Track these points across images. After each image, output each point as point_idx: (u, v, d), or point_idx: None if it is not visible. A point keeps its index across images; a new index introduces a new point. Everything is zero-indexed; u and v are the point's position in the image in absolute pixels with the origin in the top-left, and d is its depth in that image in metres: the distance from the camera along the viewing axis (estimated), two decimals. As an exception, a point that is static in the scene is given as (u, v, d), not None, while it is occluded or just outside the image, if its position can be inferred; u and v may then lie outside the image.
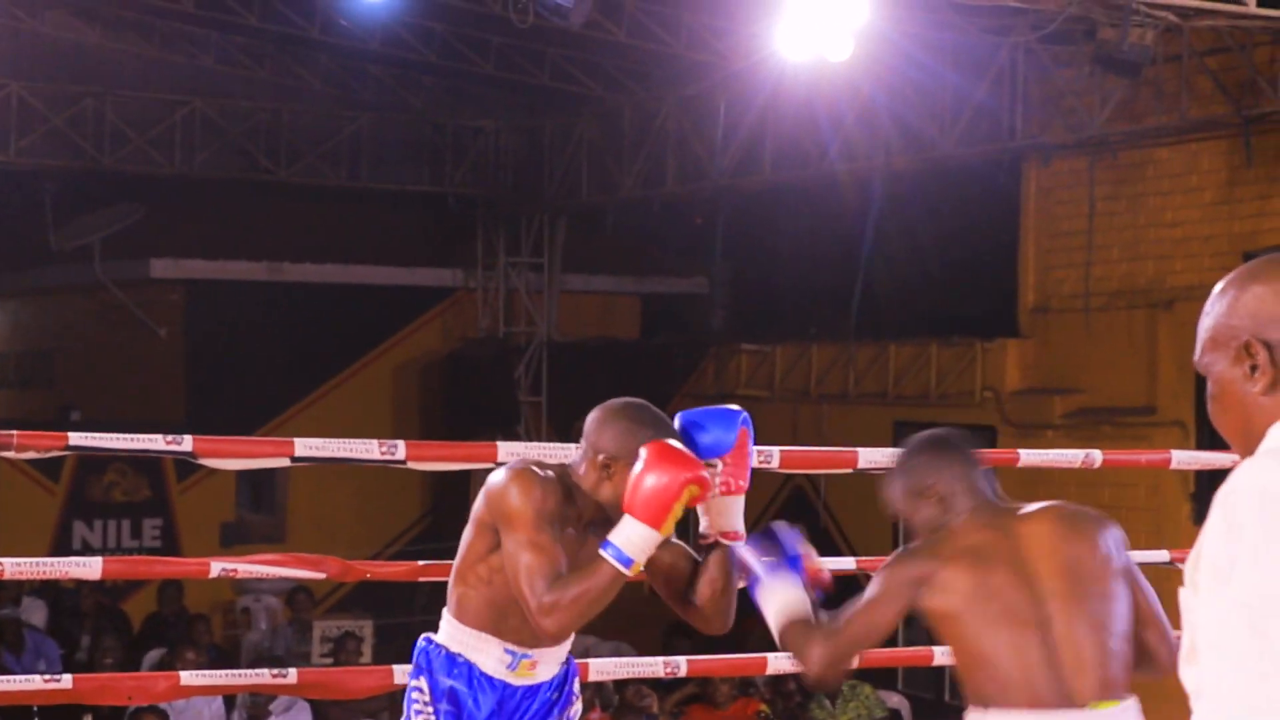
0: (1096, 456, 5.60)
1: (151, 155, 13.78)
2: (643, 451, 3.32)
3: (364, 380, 16.05)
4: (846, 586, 13.34)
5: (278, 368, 15.53)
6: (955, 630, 3.34)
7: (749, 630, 12.19)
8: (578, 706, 3.62)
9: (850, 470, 5.57)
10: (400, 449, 4.73)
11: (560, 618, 3.28)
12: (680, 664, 5.40)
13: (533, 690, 3.48)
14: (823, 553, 12.60)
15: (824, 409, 12.75)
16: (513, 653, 3.42)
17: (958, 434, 3.64)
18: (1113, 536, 3.40)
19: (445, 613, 3.50)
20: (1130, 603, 3.33)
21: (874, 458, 5.55)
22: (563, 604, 3.26)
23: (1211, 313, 2.23)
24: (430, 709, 3.47)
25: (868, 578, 11.18)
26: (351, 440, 4.86)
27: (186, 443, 4.68)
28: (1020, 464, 5.92)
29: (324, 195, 15.12)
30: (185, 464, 15.55)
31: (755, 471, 4.90)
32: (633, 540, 3.28)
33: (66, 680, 4.84)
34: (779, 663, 5.58)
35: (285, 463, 4.93)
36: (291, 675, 4.98)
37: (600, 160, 14.42)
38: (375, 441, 4.76)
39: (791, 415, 12.99)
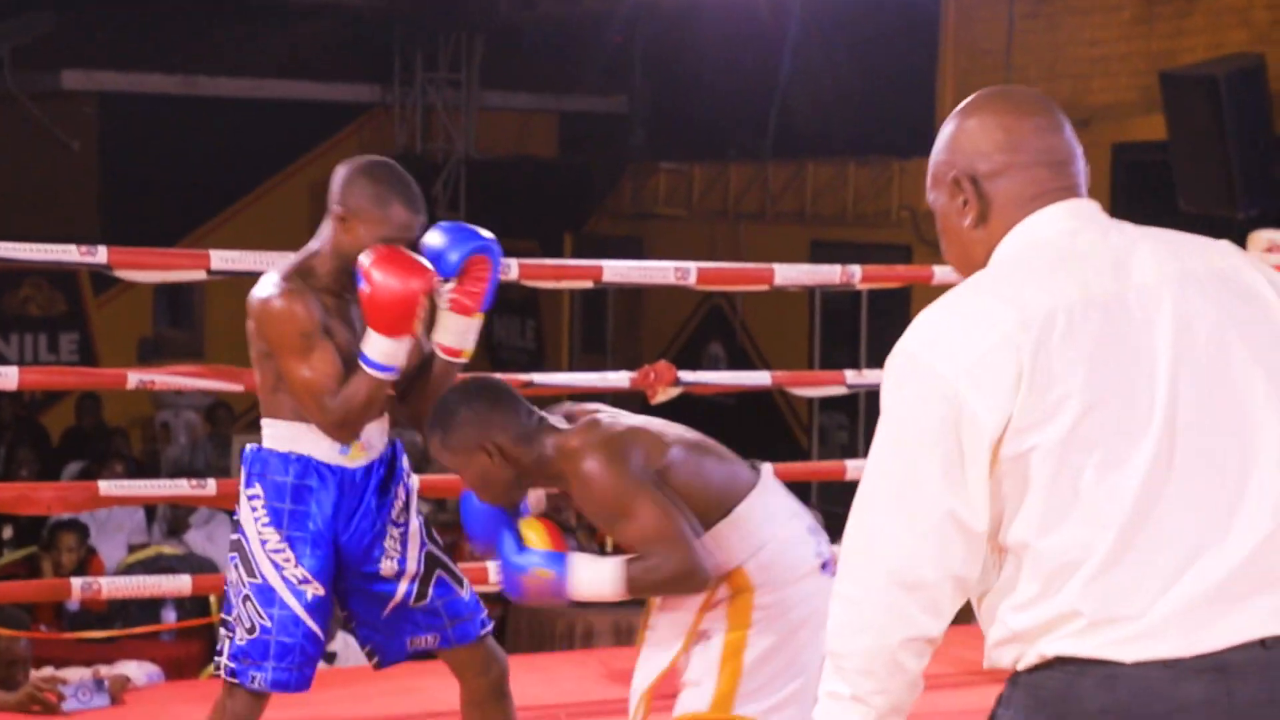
0: (1008, 274, 5.70)
1: (61, -37, 13.49)
2: (367, 257, 3.41)
3: (280, 196, 15.93)
4: (762, 402, 13.45)
5: (193, 184, 15.38)
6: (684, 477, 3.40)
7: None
8: (411, 481, 3.72)
9: (767, 288, 5.64)
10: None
11: (347, 427, 3.48)
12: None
13: (367, 470, 3.58)
14: (740, 369, 12.76)
15: (741, 228, 12.80)
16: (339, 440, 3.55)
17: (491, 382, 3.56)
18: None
19: (264, 420, 3.59)
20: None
21: (790, 275, 5.62)
22: (348, 415, 3.45)
23: (932, 151, 2.26)
24: (268, 513, 3.53)
25: (783, 393, 11.36)
26: (268, 253, 4.87)
27: (101, 254, 4.69)
28: (935, 282, 6.00)
29: (239, 7, 14.86)
30: (102, 279, 15.51)
31: (674, 289, 4.95)
32: (384, 350, 3.42)
33: (-15, 489, 4.88)
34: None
35: (201, 276, 4.95)
36: (211, 486, 5.03)
37: (519, -27, 14.25)
38: (292, 254, 4.77)
39: (709, 234, 13.03)
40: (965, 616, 6.78)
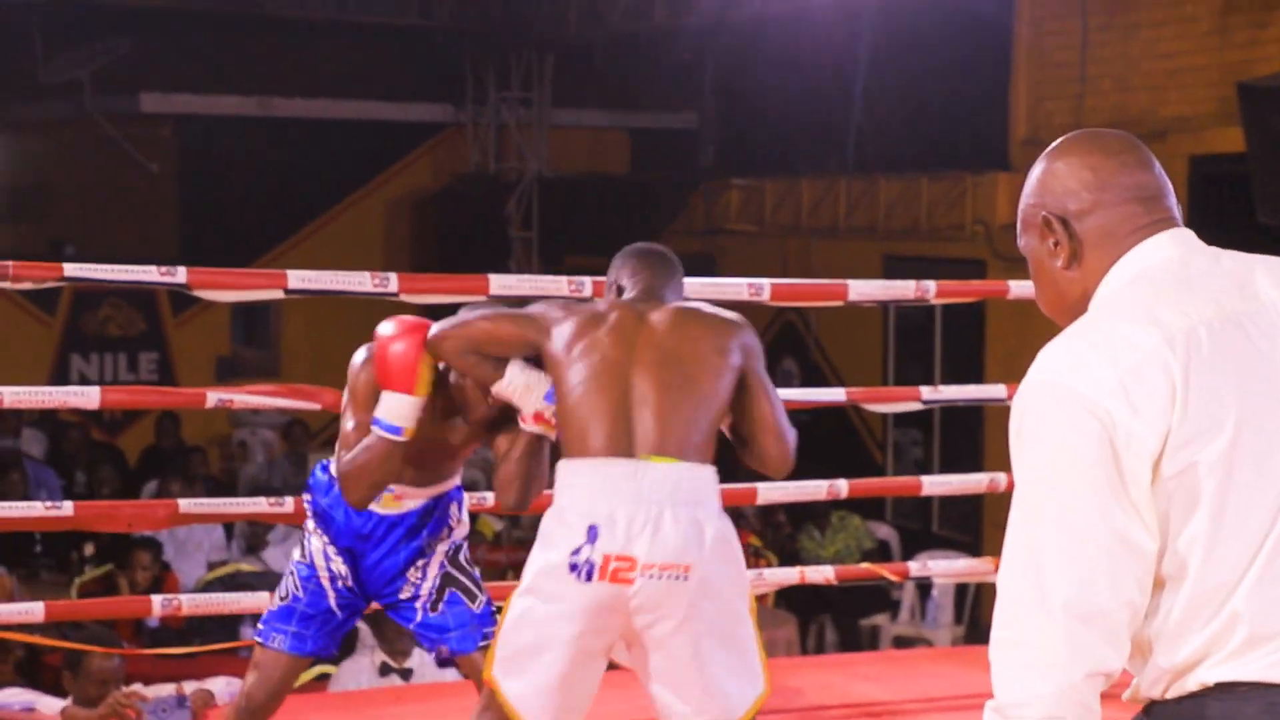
0: (1084, 288, 5.65)
1: (139, -13, 13.65)
2: (378, 330, 3.69)
3: (355, 216, 16.05)
4: (836, 417, 13.41)
5: (269, 204, 15.52)
6: (556, 377, 3.46)
7: (737, 463, 12.27)
8: (458, 530, 3.94)
9: (840, 303, 5.62)
10: (392, 281, 4.79)
11: (349, 486, 3.67)
12: (671, 492, 5.49)
13: (400, 517, 3.85)
14: (813, 385, 12.71)
15: (813, 243, 12.77)
16: None
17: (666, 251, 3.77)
18: (740, 340, 3.53)
19: (338, 444, 3.85)
20: (730, 393, 3.49)
21: (864, 290, 5.60)
22: (349, 474, 3.66)
23: (1022, 194, 2.24)
24: (312, 522, 3.93)
25: (857, 409, 11.28)
26: (344, 273, 4.90)
27: (181, 274, 4.73)
28: (1010, 296, 5.97)
29: (313, 29, 14.99)
30: (180, 299, 15.64)
31: (747, 305, 4.98)
32: (392, 409, 3.62)
33: (67, 508, 4.92)
34: (768, 493, 5.67)
35: (279, 295, 4.98)
36: (288, 504, 5.07)
37: (590, -8, 14.30)
38: (368, 274, 4.81)
39: (781, 250, 13.02)
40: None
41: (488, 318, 3.57)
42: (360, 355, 3.80)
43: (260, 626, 3.94)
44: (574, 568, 3.27)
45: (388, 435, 3.63)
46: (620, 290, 3.64)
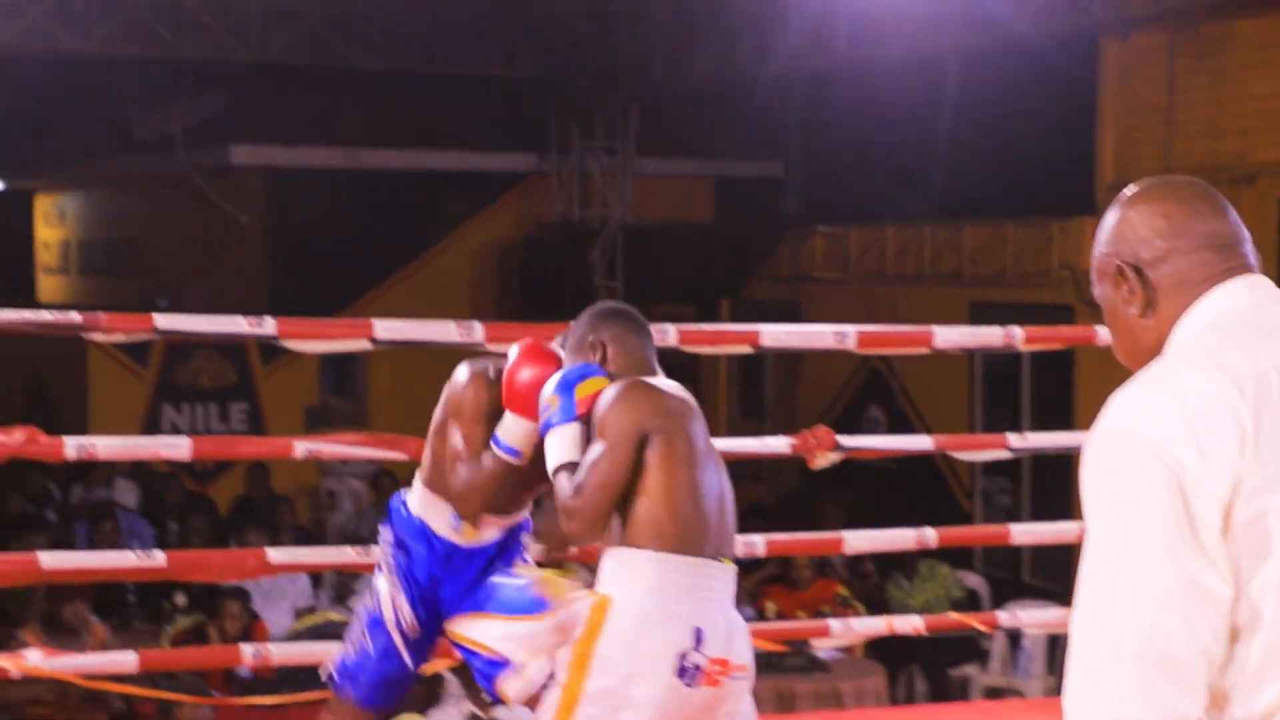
0: (1173, 334, 5.60)
1: (230, 42, 13.83)
2: (513, 349, 3.72)
3: (440, 266, 16.16)
4: (923, 466, 13.34)
5: (357, 254, 15.66)
6: (664, 476, 3.41)
7: (824, 511, 12.27)
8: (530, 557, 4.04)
9: (926, 350, 5.60)
10: (478, 330, 4.82)
11: (461, 503, 3.77)
12: (758, 544, 5.47)
13: (478, 549, 3.88)
14: (899, 433, 12.61)
15: (899, 290, 12.73)
16: (458, 517, 3.83)
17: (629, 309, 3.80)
18: None
19: (417, 474, 3.94)
20: None
21: (950, 337, 5.57)
22: (461, 493, 3.76)
23: (1095, 243, 2.24)
24: (390, 553, 3.96)
25: (944, 457, 11.22)
26: (430, 322, 4.95)
27: (269, 325, 4.79)
28: (1099, 342, 5.92)
29: (399, 81, 15.14)
30: (269, 349, 15.75)
31: (833, 353, 4.92)
32: (512, 431, 3.67)
33: (159, 557, 4.98)
34: (856, 543, 5.64)
35: (365, 345, 5.02)
36: (376, 553, 5.10)
37: (673, 42, 14.34)
38: (453, 323, 4.84)
39: (866, 297, 12.97)
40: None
41: (608, 456, 3.43)
42: (463, 372, 3.82)
43: (334, 672, 3.98)
44: (682, 672, 3.33)
45: (505, 456, 3.68)
46: (604, 352, 3.59)
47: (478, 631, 3.77)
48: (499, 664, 3.75)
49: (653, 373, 3.59)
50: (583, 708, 3.33)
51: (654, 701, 3.31)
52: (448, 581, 3.88)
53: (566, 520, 3.41)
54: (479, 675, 3.86)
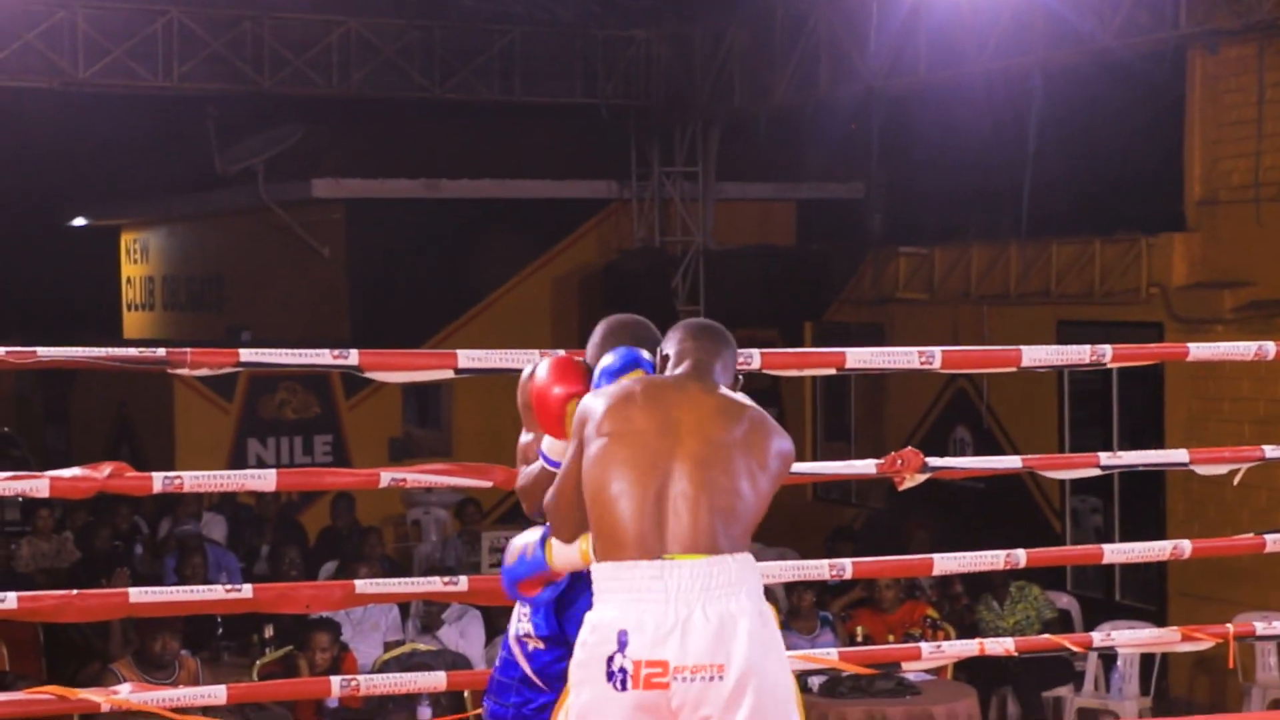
0: (1269, 348, 5.49)
1: (309, 76, 13.94)
2: (541, 366, 3.76)
3: (523, 294, 16.18)
4: (1012, 485, 13.18)
5: (438, 284, 15.71)
6: (593, 483, 3.38)
7: (912, 533, 12.18)
8: None
9: (1014, 369, 5.53)
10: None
11: (521, 497, 3.85)
12: (846, 567, 5.41)
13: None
14: (987, 453, 12.47)
15: (984, 310, 12.62)
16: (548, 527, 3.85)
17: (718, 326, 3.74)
18: (780, 448, 3.44)
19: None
20: (770, 496, 3.42)
21: (1038, 356, 5.49)
22: (520, 491, 3.86)
23: None
24: None
25: (1033, 476, 11.08)
26: (513, 351, 4.92)
27: (353, 357, 4.78)
28: (1190, 358, 5.83)
29: (478, 111, 15.20)
30: (353, 381, 15.81)
31: (918, 374, 4.87)
32: (553, 447, 3.73)
33: (247, 590, 4.98)
34: (945, 564, 5.57)
35: (449, 375, 5.00)
36: (463, 583, 5.08)
37: (752, 65, 14.31)
38: (537, 352, 4.81)
39: (951, 318, 12.88)
40: (1235, 703, 6.55)
41: (567, 477, 3.51)
42: (526, 371, 3.92)
43: (485, 695, 4.04)
44: (610, 676, 3.24)
45: (550, 468, 3.73)
46: (665, 362, 3.60)
47: None
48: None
49: (697, 381, 3.51)
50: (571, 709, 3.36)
51: (592, 708, 3.27)
52: (568, 596, 3.85)
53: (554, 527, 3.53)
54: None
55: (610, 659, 3.24)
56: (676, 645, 3.21)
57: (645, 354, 3.70)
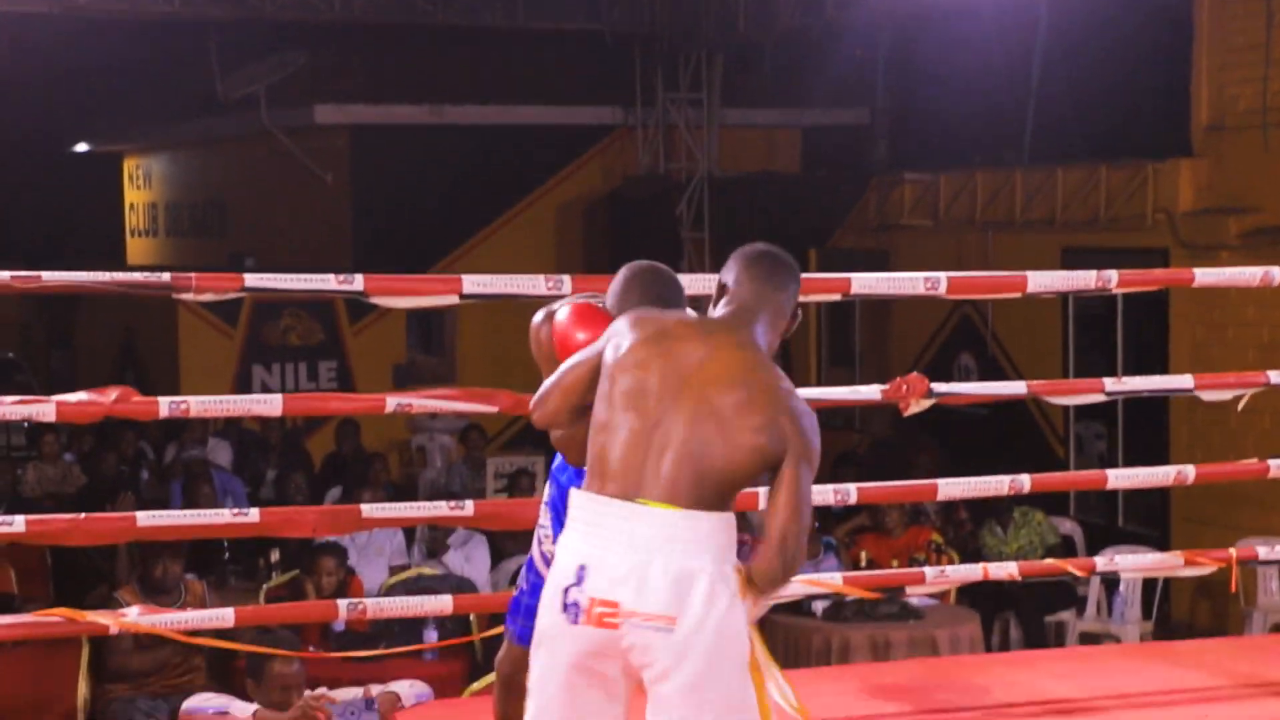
0: (1275, 274, 5.48)
1: (312, 1, 13.86)
2: (562, 310, 3.78)
3: (527, 221, 16.16)
4: (1016, 412, 13.16)
5: (442, 211, 15.69)
6: (599, 395, 3.36)
7: (913, 458, 12.17)
8: None
9: (1019, 295, 5.52)
10: (566, 284, 4.79)
11: (563, 449, 3.74)
12: (850, 492, 5.43)
13: None
14: (991, 379, 12.47)
15: (989, 237, 12.60)
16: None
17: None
18: (785, 430, 3.32)
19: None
20: (753, 473, 3.32)
21: (1043, 282, 5.49)
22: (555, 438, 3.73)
23: None
24: (546, 499, 4.01)
25: (1037, 403, 11.02)
26: (518, 276, 4.92)
27: (358, 282, 4.79)
28: (1195, 284, 5.82)
29: (482, 36, 15.12)
30: (357, 307, 15.76)
31: (923, 300, 4.90)
32: None
33: (253, 514, 5.00)
34: (949, 489, 5.59)
35: (454, 300, 5.01)
36: (468, 507, 5.10)
37: (757, -9, 14.24)
38: (542, 277, 4.81)
39: (956, 244, 12.85)
40: (1236, 627, 6.57)
41: (573, 368, 3.49)
42: (539, 315, 3.95)
43: (507, 617, 4.08)
44: (565, 607, 3.23)
45: None
46: (722, 291, 3.52)
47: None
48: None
49: (733, 327, 3.45)
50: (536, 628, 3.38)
51: (544, 633, 3.28)
52: None
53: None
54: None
55: (566, 590, 3.23)
56: (632, 590, 3.18)
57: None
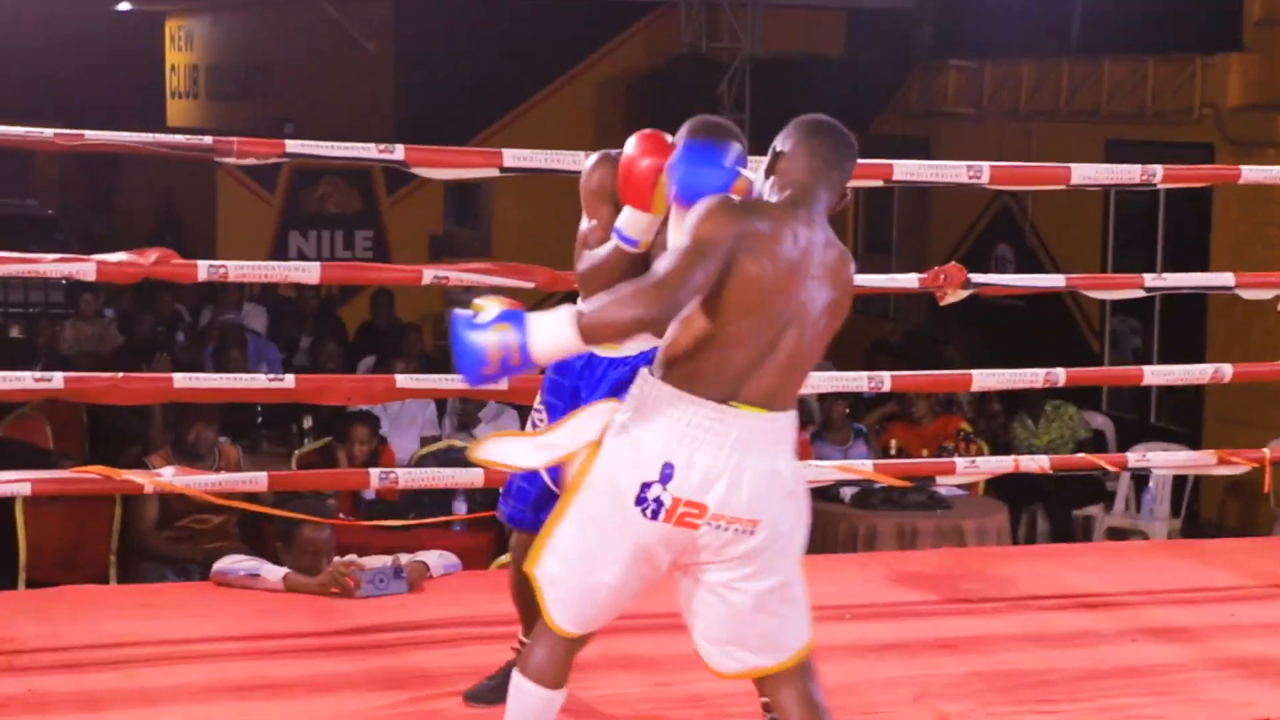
0: (1321, 173, 5.45)
1: None
2: (630, 141, 3.67)
3: (567, 96, 16.07)
4: (1052, 304, 13.10)
5: (482, 84, 15.60)
6: (706, 314, 3.20)
7: (941, 351, 12.10)
8: None
9: (1063, 187, 5.48)
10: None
11: (584, 287, 3.71)
12: (884, 379, 5.42)
13: (617, 361, 3.80)
14: (1029, 271, 12.43)
15: (1032, 127, 12.49)
16: None
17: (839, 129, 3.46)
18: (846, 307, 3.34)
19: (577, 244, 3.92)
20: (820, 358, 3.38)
21: (1087, 174, 5.45)
22: (584, 275, 3.74)
23: None
24: (544, 380, 3.98)
25: (1074, 296, 11.01)
26: (559, 152, 4.91)
27: (398, 152, 4.78)
28: (1242, 181, 5.78)
29: (528, -93, 14.98)
30: (395, 177, 15.77)
31: (962, 189, 4.83)
32: (630, 222, 3.64)
33: (289, 380, 5.03)
34: (984, 380, 5.58)
35: (494, 173, 5.01)
36: (502, 382, 5.11)
37: None
38: (582, 154, 4.79)
39: (999, 134, 12.75)
40: (1265, 528, 6.57)
41: (702, 268, 3.16)
42: (592, 159, 3.91)
43: (501, 501, 4.00)
44: (641, 501, 3.17)
45: (624, 246, 3.66)
46: (777, 159, 3.35)
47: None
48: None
49: (808, 204, 3.30)
50: (565, 525, 3.27)
51: (603, 521, 3.21)
52: (589, 393, 3.80)
53: (632, 304, 3.12)
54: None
55: (646, 485, 3.17)
56: (721, 493, 3.16)
57: (746, 171, 3.49)
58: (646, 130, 3.70)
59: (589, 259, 3.74)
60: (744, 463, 3.18)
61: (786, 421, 3.26)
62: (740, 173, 3.48)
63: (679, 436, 3.18)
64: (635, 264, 3.62)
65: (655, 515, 3.18)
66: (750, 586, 3.23)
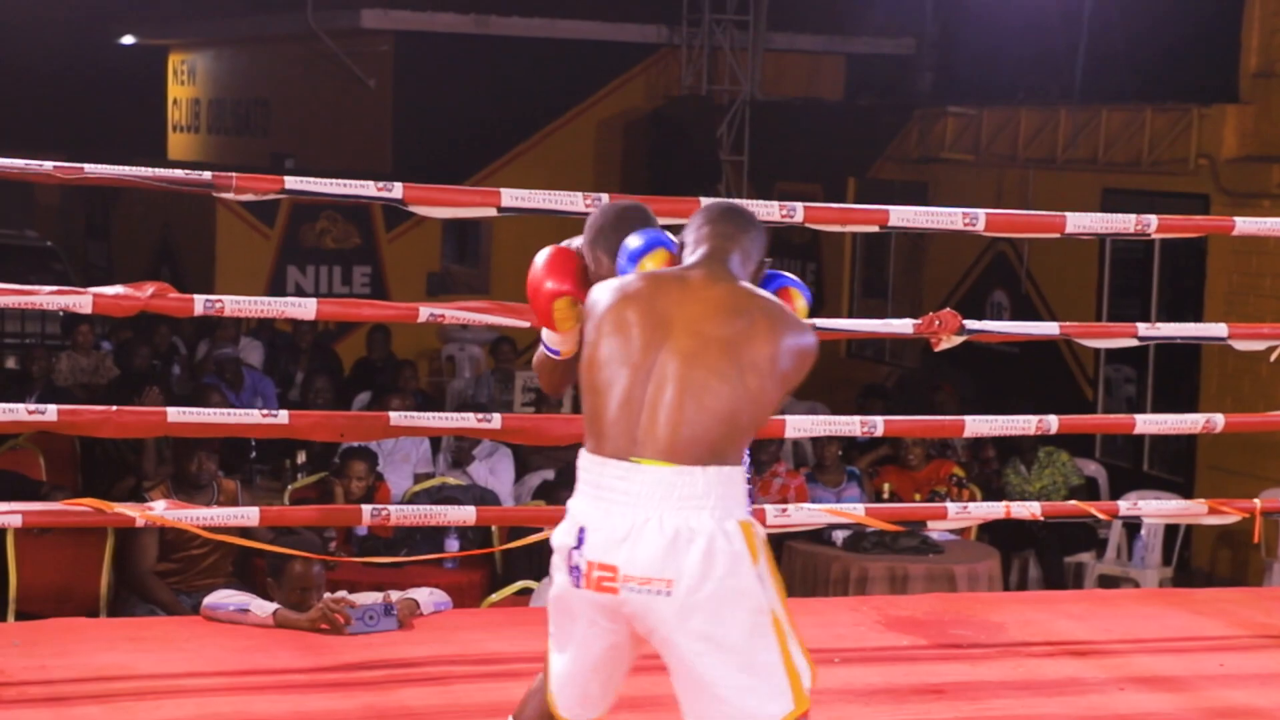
0: (1315, 226, 5.47)
1: (361, -96, 13.79)
2: (540, 255, 3.63)
3: (566, 136, 16.12)
4: (1046, 351, 13.16)
5: (482, 122, 15.66)
6: (587, 374, 3.23)
7: (933, 396, 12.12)
8: None
9: (1058, 235, 5.50)
10: (604, 202, 4.77)
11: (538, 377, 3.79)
12: (877, 424, 5.43)
13: None
14: (1024, 318, 12.47)
15: (1030, 174, 12.53)
16: None
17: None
18: (792, 344, 3.20)
19: None
20: (777, 398, 3.21)
21: (1082, 223, 5.47)
22: (534, 372, 3.80)
23: None
24: None
25: (1069, 344, 11.06)
26: (556, 192, 4.92)
27: (397, 190, 4.79)
28: (1235, 232, 5.79)
29: (531, -53, 15.06)
30: (393, 214, 15.86)
31: (958, 235, 4.88)
32: (547, 335, 3.66)
33: (283, 416, 5.03)
34: (977, 426, 5.59)
35: (492, 212, 5.01)
36: (495, 420, 5.13)
37: (810, -86, 14.13)
38: (580, 194, 4.81)
39: (996, 180, 12.79)
40: (1256, 578, 6.58)
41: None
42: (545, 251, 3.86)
43: None
44: (570, 570, 3.16)
45: (548, 353, 3.67)
46: (683, 249, 3.38)
47: None
48: None
49: (707, 271, 3.29)
50: (551, 587, 3.31)
51: (558, 596, 3.22)
52: None
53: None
54: None
55: (570, 553, 3.16)
56: (627, 552, 3.08)
57: (669, 235, 3.49)
58: (553, 248, 3.62)
59: (536, 356, 3.78)
60: (649, 519, 3.10)
61: (703, 477, 3.12)
62: (642, 256, 3.47)
63: (591, 499, 3.16)
64: (569, 364, 3.64)
65: (579, 582, 3.14)
66: (699, 653, 3.11)
